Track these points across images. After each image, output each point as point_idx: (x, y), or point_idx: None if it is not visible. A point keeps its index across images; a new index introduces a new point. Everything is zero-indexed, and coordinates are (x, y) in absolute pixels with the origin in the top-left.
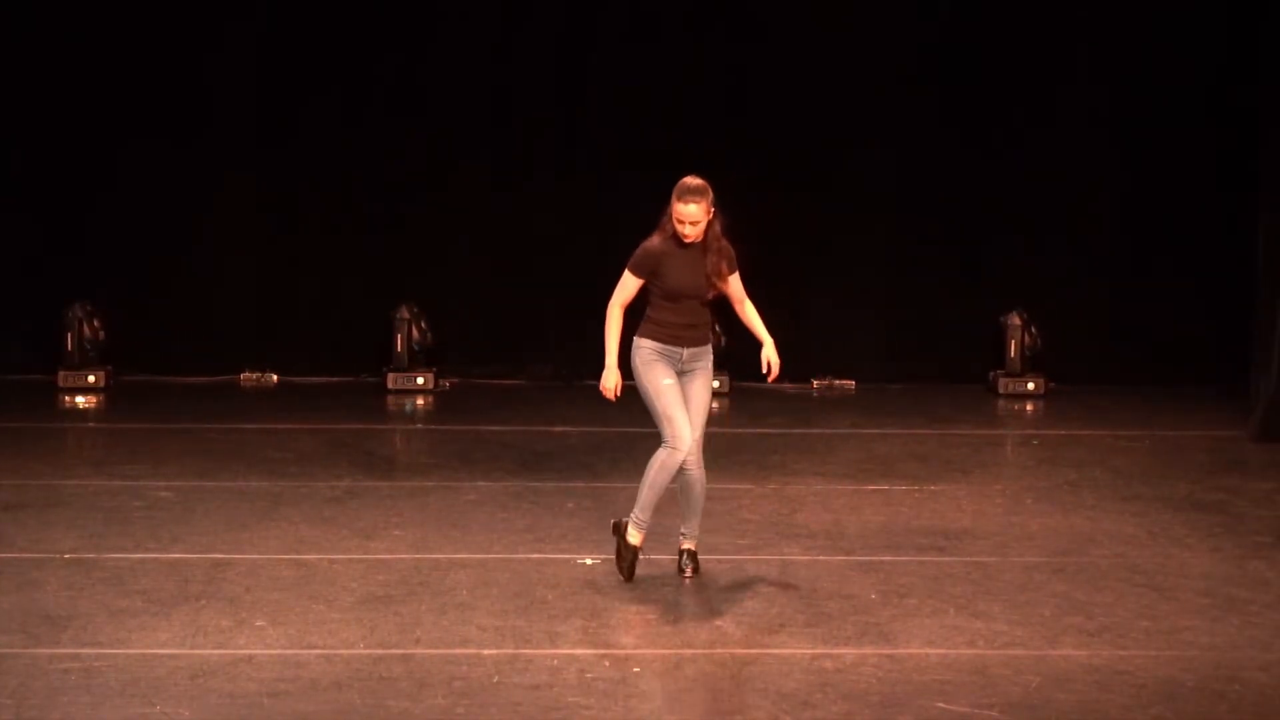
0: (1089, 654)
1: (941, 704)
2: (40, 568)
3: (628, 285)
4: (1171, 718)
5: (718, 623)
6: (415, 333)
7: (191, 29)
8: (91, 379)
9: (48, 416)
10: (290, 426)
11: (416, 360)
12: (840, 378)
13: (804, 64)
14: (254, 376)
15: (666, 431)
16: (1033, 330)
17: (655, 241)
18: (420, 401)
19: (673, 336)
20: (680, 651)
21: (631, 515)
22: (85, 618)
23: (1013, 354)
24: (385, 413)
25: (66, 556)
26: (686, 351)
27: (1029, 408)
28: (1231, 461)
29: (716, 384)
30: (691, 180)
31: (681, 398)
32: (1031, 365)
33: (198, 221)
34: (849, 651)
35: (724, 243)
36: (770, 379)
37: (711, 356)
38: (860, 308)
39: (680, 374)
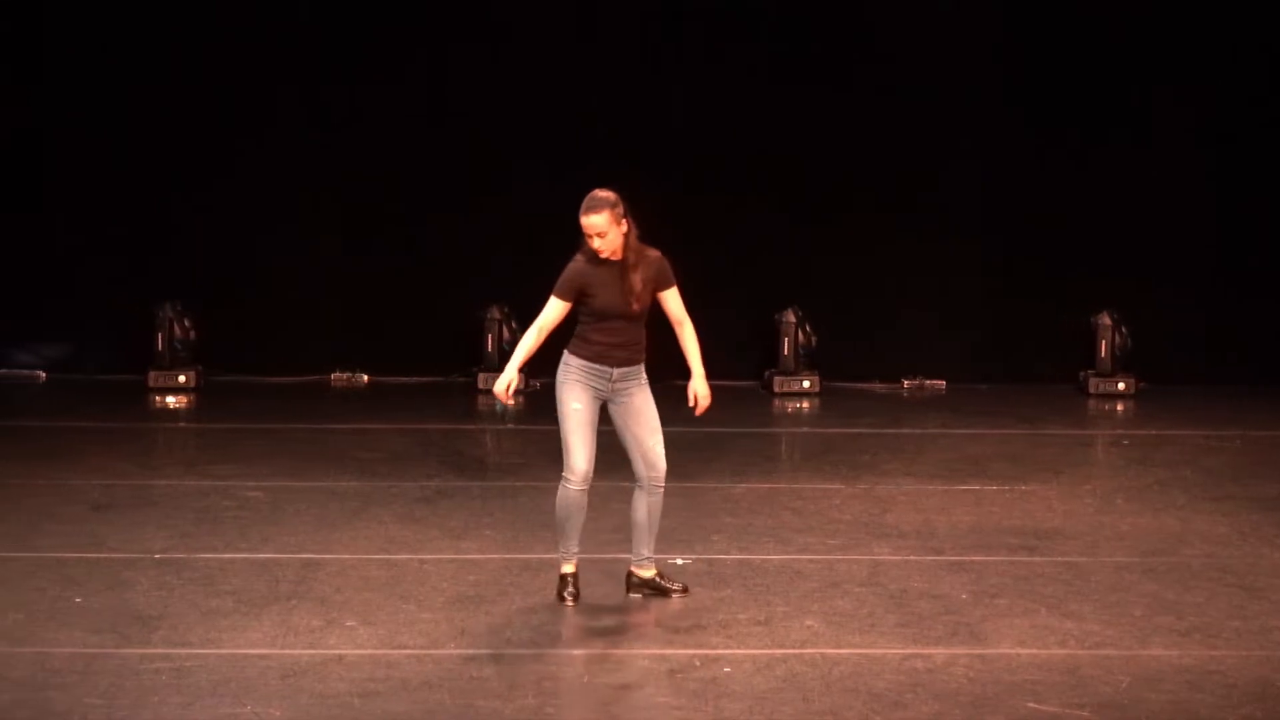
0: (1180, 654)
1: (1032, 704)
2: (131, 567)
3: (552, 310)
4: (1262, 718)
5: (808, 622)
6: (506, 333)
7: (272, 31)
8: (182, 379)
9: (138, 417)
10: (380, 426)
11: (507, 360)
12: (931, 378)
13: (889, 74)
14: (344, 377)
15: (565, 460)
16: (1123, 330)
17: (578, 261)
18: (510, 401)
19: (600, 355)
20: (771, 651)
21: (558, 550)
22: (176, 617)
23: (1103, 354)
24: (475, 413)
25: (157, 556)
26: (616, 371)
27: (1119, 407)
28: None
29: (807, 384)
30: (596, 192)
31: (586, 422)
32: (1122, 365)
33: (289, 221)
34: (940, 651)
35: (650, 256)
36: (697, 413)
37: (644, 373)
38: (951, 308)
39: (613, 396)
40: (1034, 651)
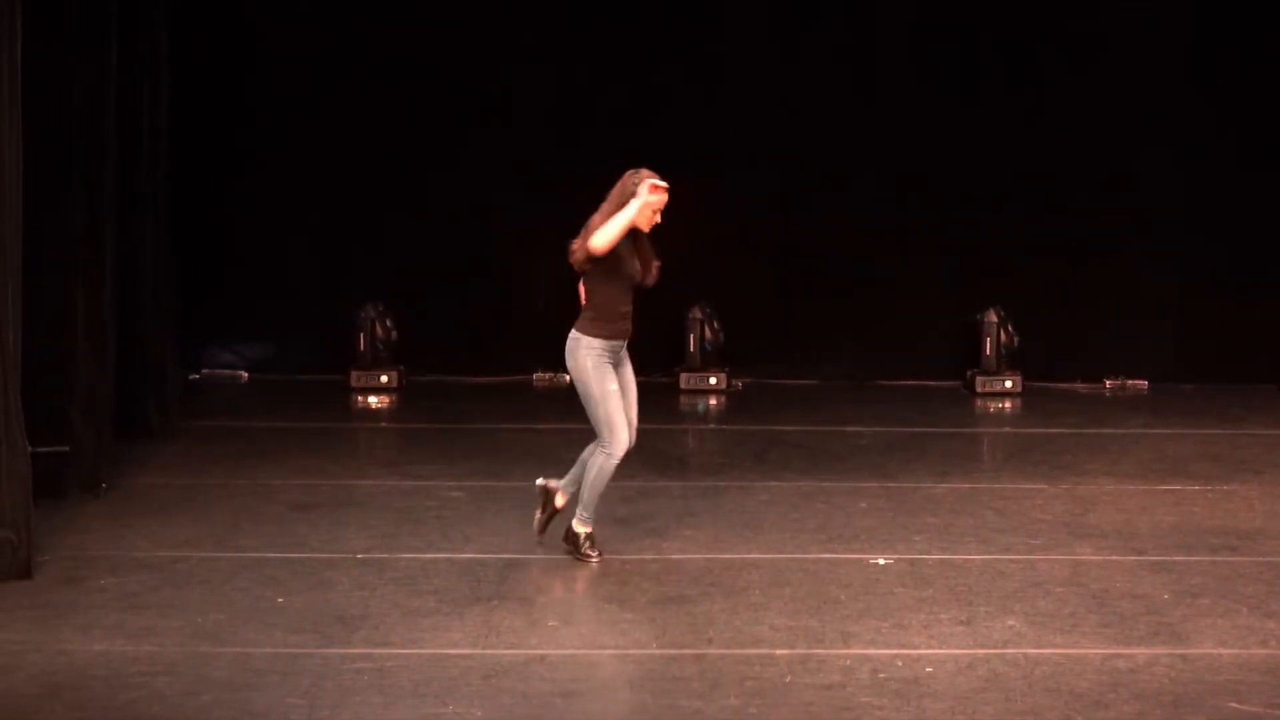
0: None
1: (1234, 704)
2: (333, 568)
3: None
4: None
5: (1010, 623)
6: (708, 333)
7: (488, 28)
8: (384, 379)
9: (340, 416)
10: (583, 426)
11: (709, 360)
12: (1132, 378)
13: (1090, 76)
14: (546, 377)
15: (607, 437)
16: None
17: None
18: (713, 401)
19: (621, 331)
20: (973, 651)
21: (578, 512)
22: (377, 618)
23: None
24: (677, 413)
25: (359, 556)
26: (624, 344)
27: None
28: None
29: (1009, 384)
30: None
31: (624, 403)
32: None
33: (490, 222)
34: (1141, 652)
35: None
36: None
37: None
38: (1153, 308)
39: (616, 366)
40: (1236, 652)
